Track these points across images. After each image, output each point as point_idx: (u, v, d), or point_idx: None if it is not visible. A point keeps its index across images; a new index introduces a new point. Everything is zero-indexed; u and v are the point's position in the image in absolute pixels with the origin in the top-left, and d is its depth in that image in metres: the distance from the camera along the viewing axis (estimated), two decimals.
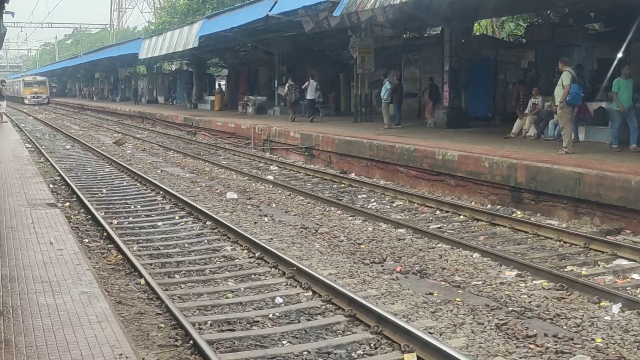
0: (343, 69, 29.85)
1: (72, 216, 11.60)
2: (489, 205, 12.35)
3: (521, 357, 5.65)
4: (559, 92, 13.39)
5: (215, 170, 18.29)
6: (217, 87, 41.22)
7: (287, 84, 26.72)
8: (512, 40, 27.89)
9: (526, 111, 17.27)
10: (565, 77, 13.20)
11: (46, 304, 5.42)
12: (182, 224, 11.35)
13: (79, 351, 4.19)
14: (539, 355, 5.69)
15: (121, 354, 4.44)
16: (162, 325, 6.41)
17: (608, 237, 9.61)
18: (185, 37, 30.16)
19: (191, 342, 5.94)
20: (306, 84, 25.41)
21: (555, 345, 5.92)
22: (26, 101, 71.43)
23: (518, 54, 22.04)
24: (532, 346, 5.90)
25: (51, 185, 14.29)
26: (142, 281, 7.84)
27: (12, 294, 5.79)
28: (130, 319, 6.38)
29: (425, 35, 28.24)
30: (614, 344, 5.95)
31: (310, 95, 25.42)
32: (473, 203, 12.63)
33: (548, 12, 23.90)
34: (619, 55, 16.67)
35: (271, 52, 31.01)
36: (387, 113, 20.80)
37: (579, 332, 6.27)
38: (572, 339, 6.06)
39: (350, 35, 23.47)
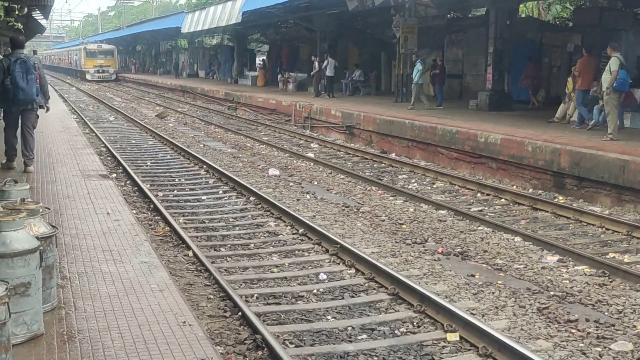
0: (385, 48, 29.74)
1: (119, 187, 11.91)
2: (530, 190, 12.36)
3: (562, 341, 5.75)
4: (606, 78, 13.25)
5: (256, 146, 18.51)
6: (260, 62, 41.34)
7: (314, 62, 27.34)
8: (558, 23, 27.48)
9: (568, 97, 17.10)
10: (614, 63, 13.06)
11: (109, 271, 5.68)
12: (225, 198, 11.60)
13: (145, 317, 4.42)
14: (580, 340, 5.79)
15: (184, 322, 4.67)
16: (211, 297, 6.64)
17: None
18: (229, 13, 30.29)
19: (239, 313, 6.15)
20: (325, 62, 26.36)
21: (597, 330, 6.00)
22: (88, 76, 56.99)
23: (564, 38, 21.72)
24: (573, 331, 6.00)
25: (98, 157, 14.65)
26: (190, 253, 8.08)
27: (77, 262, 6.05)
28: (180, 289, 6.58)
29: (470, 16, 27.96)
30: None
31: (329, 72, 26.46)
32: (514, 187, 12.65)
33: None
34: None
35: (313, 29, 30.97)
36: (416, 94, 20.81)
37: (620, 318, 6.34)
38: (613, 325, 6.14)
39: (393, 14, 23.37)
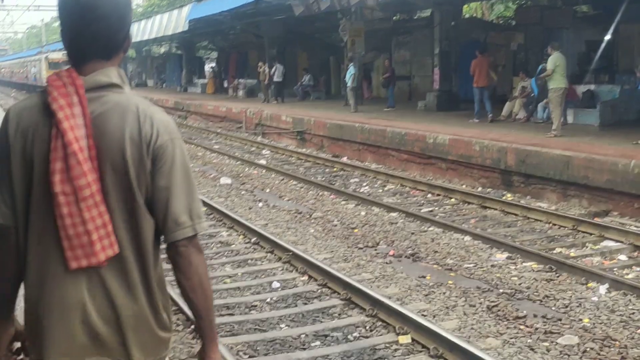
0: (333, 52, 29.93)
1: None
2: (479, 189, 12.56)
3: (511, 338, 5.85)
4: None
5: (207, 154, 18.41)
6: (209, 69, 41.07)
7: (260, 68, 27.69)
8: (501, 22, 28.02)
9: (515, 94, 17.49)
10: (550, 62, 13.48)
11: None
12: None
13: None
14: (528, 336, 5.90)
15: None
16: None
17: (596, 219, 9.83)
18: (175, 21, 30.08)
19: (192, 327, 6.12)
20: (274, 68, 26.72)
21: (544, 325, 6.13)
22: None
23: (507, 37, 22.21)
24: (522, 327, 6.12)
25: None
26: None
27: None
28: None
29: (415, 17, 28.32)
30: (600, 323, 6.17)
31: (277, 78, 26.88)
32: (464, 186, 12.84)
33: None
34: (607, 37, 16.88)
35: (261, 35, 31.01)
36: (352, 97, 21.11)
37: (567, 312, 6.49)
38: (560, 320, 6.28)
39: (340, 18, 23.51)
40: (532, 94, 16.68)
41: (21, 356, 2.24)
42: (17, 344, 2.25)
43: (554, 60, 13.35)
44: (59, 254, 2.00)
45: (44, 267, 2.04)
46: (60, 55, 46.87)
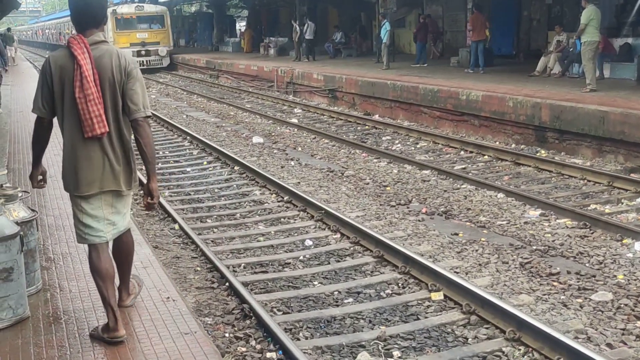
0: (364, 9, 29.55)
1: None
2: (513, 145, 12.44)
3: (544, 295, 5.85)
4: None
5: (239, 114, 18.46)
6: (245, 27, 40.60)
7: (294, 26, 27.58)
8: None
9: (550, 48, 17.13)
10: (584, 16, 13.12)
11: None
12: (210, 169, 11.61)
13: None
14: (561, 292, 5.90)
15: (168, 297, 4.73)
16: (198, 269, 6.70)
17: (632, 174, 9.70)
18: None
19: (227, 284, 6.22)
20: (305, 26, 26.50)
21: (578, 282, 6.12)
22: None
23: None
24: (555, 284, 6.11)
25: None
26: (176, 226, 8.12)
27: (60, 242, 6.09)
28: (167, 263, 6.66)
29: None
30: (635, 280, 6.13)
31: (309, 35, 26.67)
32: (497, 143, 12.72)
33: None
34: None
35: None
36: (386, 54, 20.86)
37: (601, 269, 6.46)
38: (594, 276, 6.25)
39: None
40: (571, 49, 16.25)
41: (42, 182, 4.29)
42: (40, 177, 4.27)
43: (588, 14, 13.01)
44: (80, 130, 3.89)
45: (73, 137, 3.93)
46: (132, 8, 34.11)
